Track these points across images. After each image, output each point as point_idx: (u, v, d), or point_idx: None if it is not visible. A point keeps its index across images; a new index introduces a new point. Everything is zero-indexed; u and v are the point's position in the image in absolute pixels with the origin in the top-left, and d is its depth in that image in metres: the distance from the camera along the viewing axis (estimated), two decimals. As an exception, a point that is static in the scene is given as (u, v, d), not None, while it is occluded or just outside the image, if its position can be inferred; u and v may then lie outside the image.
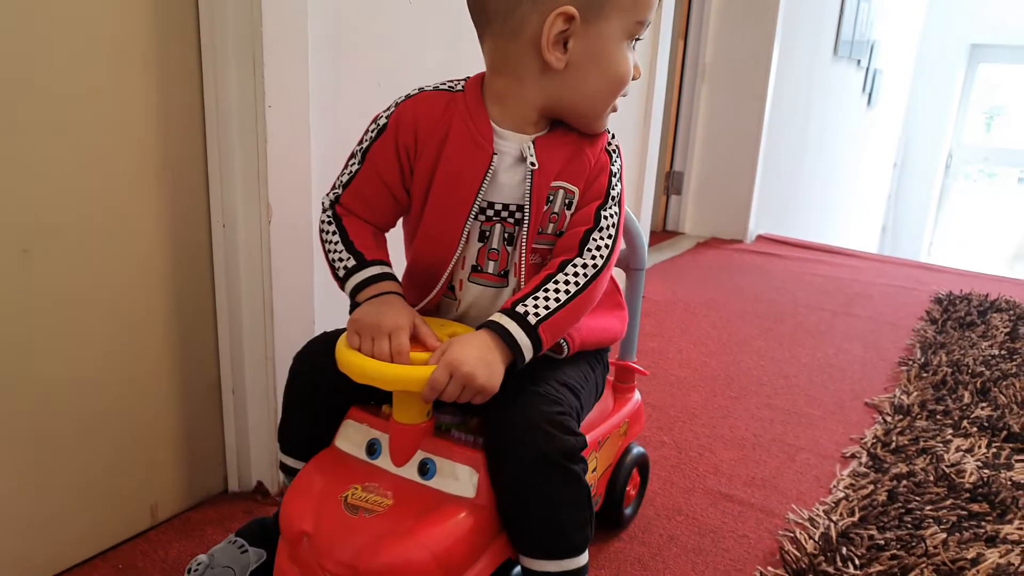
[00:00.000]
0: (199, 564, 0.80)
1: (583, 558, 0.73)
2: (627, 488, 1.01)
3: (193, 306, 0.97)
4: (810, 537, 1.01)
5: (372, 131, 0.77)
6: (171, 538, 0.95)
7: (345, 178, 0.79)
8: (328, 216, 0.79)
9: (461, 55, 1.23)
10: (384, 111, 0.77)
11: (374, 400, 0.79)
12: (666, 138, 2.78)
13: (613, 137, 0.80)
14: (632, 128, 1.99)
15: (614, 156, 0.79)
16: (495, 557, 0.73)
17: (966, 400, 1.46)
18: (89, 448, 0.88)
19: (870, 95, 4.00)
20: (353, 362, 0.68)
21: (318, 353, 0.77)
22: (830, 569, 0.93)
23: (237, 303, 0.98)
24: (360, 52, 1.06)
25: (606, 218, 0.76)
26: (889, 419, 1.38)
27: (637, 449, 1.04)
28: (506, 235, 0.77)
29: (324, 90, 1.01)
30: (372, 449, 0.75)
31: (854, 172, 4.26)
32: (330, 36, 1.00)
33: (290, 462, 0.83)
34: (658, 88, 2.01)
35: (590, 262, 0.74)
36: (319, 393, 0.78)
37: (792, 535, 1.02)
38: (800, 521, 1.06)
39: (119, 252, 0.87)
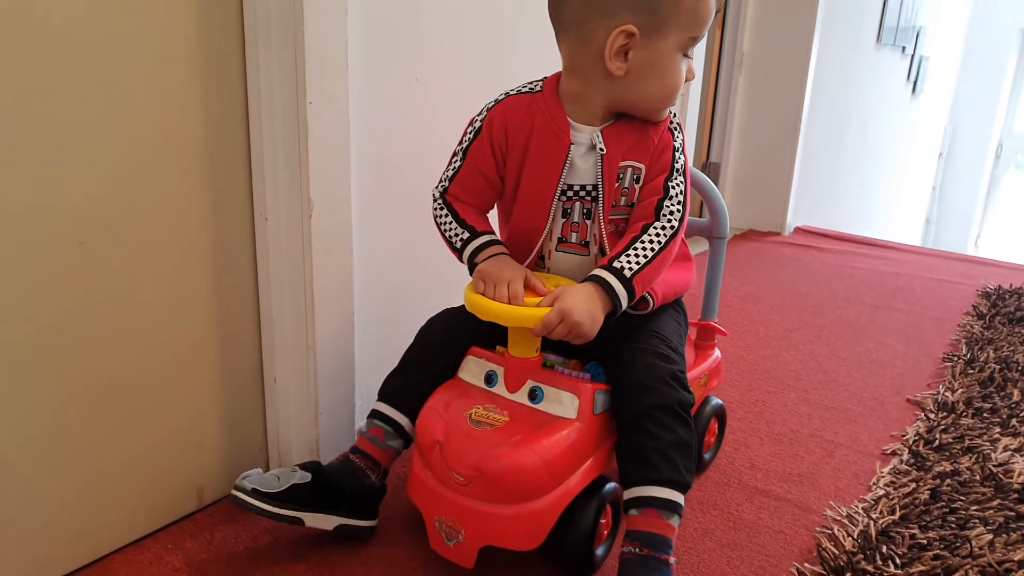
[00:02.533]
0: (253, 472, 0.89)
1: (682, 496, 0.85)
2: (706, 436, 1.13)
3: (236, 297, 0.99)
4: (848, 535, 0.99)
5: (470, 133, 0.91)
6: (216, 521, 0.98)
7: (450, 173, 0.93)
8: (439, 204, 0.94)
9: (497, 52, 1.23)
10: (478, 115, 0.91)
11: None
12: (703, 129, 2.75)
13: (675, 116, 0.91)
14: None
15: (676, 133, 0.90)
16: (592, 471, 0.86)
17: (1015, 398, 1.42)
18: (139, 433, 0.91)
19: (915, 83, 3.89)
20: (480, 303, 0.82)
21: (446, 323, 0.95)
22: (869, 568, 0.92)
23: (279, 294, 1.00)
24: (399, 49, 1.07)
25: (673, 187, 0.88)
26: (932, 416, 1.35)
27: (716, 400, 1.17)
28: (585, 211, 0.90)
29: (363, 86, 1.02)
30: (490, 379, 0.90)
31: (897, 162, 4.16)
32: (370, 33, 1.01)
33: (385, 409, 0.94)
34: (695, 79, 1.98)
35: (667, 224, 0.87)
36: (440, 356, 0.93)
37: (830, 532, 1.01)
38: (838, 518, 1.05)
39: (167, 245, 0.90)
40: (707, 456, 1.16)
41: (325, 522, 0.89)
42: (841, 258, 2.52)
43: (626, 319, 0.88)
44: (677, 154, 0.88)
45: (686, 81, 0.87)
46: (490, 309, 0.82)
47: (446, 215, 0.93)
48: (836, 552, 0.95)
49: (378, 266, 1.10)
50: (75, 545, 0.87)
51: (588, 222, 0.90)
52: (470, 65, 1.18)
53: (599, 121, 0.88)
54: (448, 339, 0.94)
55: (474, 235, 0.91)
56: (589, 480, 0.85)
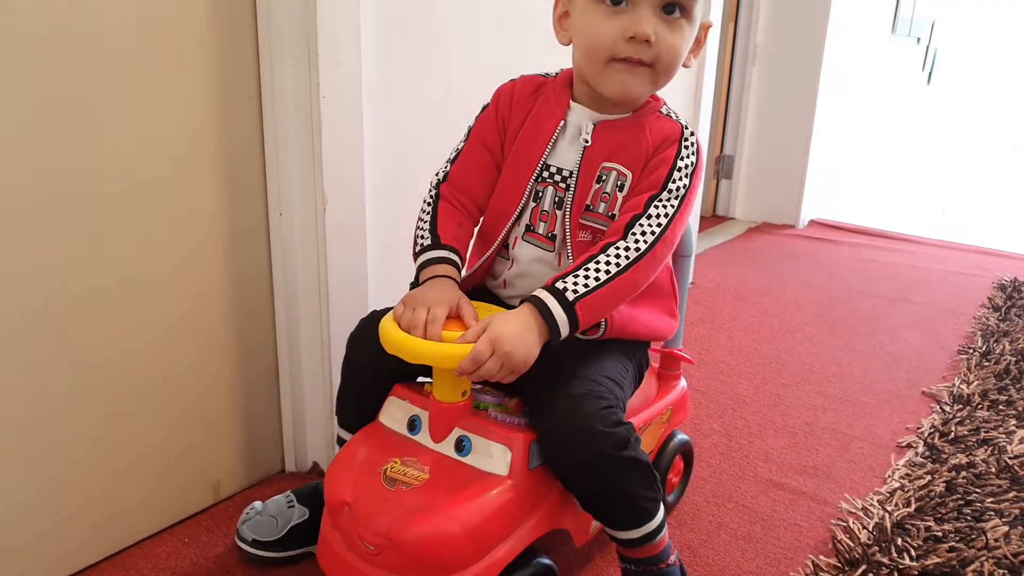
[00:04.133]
0: (252, 510, 0.91)
1: (658, 518, 0.79)
2: (668, 475, 1.01)
3: (251, 293, 1.00)
4: (864, 527, 0.99)
5: (479, 113, 0.87)
6: (232, 514, 0.99)
7: (453, 155, 0.87)
8: (431, 195, 0.86)
9: (511, 43, 1.23)
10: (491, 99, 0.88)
11: (420, 377, 0.82)
12: (716, 122, 2.73)
13: (692, 134, 0.81)
14: (681, 112, 1.95)
15: (686, 152, 0.80)
16: (527, 535, 0.75)
17: (1031, 390, 1.41)
18: (156, 428, 0.92)
19: (930, 74, 3.85)
20: (392, 338, 0.70)
21: (369, 334, 0.79)
22: (884, 560, 0.92)
23: (293, 290, 1.01)
24: (412, 42, 1.07)
25: (656, 207, 0.77)
26: (948, 409, 1.34)
27: (680, 436, 1.03)
28: (556, 198, 0.82)
29: (377, 80, 1.02)
30: (413, 425, 0.78)
31: (912, 154, 4.11)
32: (382, 26, 1.01)
33: (346, 436, 0.88)
34: (708, 71, 1.97)
35: (632, 245, 0.76)
36: (369, 371, 0.83)
37: (845, 524, 1.01)
38: (853, 510, 1.04)
39: (181, 241, 0.90)
40: (671, 498, 1.03)
41: None
42: (855, 251, 2.51)
43: (563, 346, 0.75)
44: (678, 175, 0.79)
45: (635, 40, 0.74)
46: (402, 346, 0.69)
47: (427, 212, 0.85)
48: (851, 544, 0.95)
49: (392, 260, 1.10)
50: (95, 538, 0.88)
51: (558, 212, 0.82)
52: (484, 57, 1.18)
53: (607, 110, 0.81)
54: (372, 362, 0.81)
55: (434, 246, 0.81)
56: (524, 547, 0.74)
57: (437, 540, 0.68)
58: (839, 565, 0.92)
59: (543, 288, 0.74)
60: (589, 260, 0.75)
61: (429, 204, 0.85)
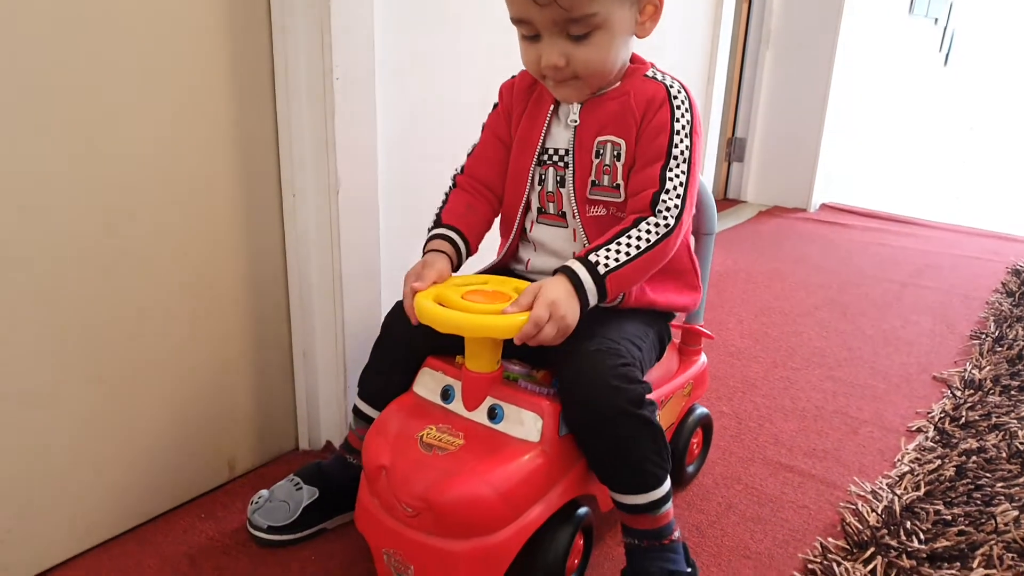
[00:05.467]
0: (260, 498, 0.91)
1: (664, 487, 0.80)
2: (690, 446, 1.04)
3: (266, 274, 1.01)
4: (873, 510, 1.00)
5: (490, 112, 0.92)
6: (247, 491, 1.00)
7: (470, 149, 0.92)
8: (449, 187, 0.92)
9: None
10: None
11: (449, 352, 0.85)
12: (728, 104, 2.71)
13: (680, 91, 0.81)
14: (694, 94, 1.94)
15: (679, 113, 0.80)
16: (558, 498, 0.78)
17: (1043, 376, 1.40)
18: (173, 407, 0.94)
19: (947, 55, 3.80)
20: (441, 315, 0.72)
21: (404, 315, 0.83)
22: (893, 542, 0.92)
23: (307, 271, 1.02)
24: (425, 24, 1.07)
25: (671, 179, 0.79)
26: (959, 394, 1.34)
27: (701, 410, 1.07)
28: (558, 178, 0.85)
29: (390, 62, 1.02)
30: (446, 394, 0.81)
31: (927, 136, 4.07)
32: (395, 8, 1.01)
33: (365, 408, 0.91)
34: (721, 54, 1.96)
35: (662, 222, 0.78)
36: (403, 349, 0.87)
37: (854, 507, 1.02)
38: (862, 494, 1.05)
39: (195, 223, 0.91)
40: (690, 469, 1.06)
41: (347, 517, 0.93)
42: (868, 235, 2.49)
43: (587, 313, 0.77)
44: (677, 138, 0.79)
45: (540, 74, 0.80)
46: (462, 322, 0.71)
47: (442, 201, 0.90)
48: (860, 527, 0.96)
49: (405, 242, 1.11)
50: (113, 513, 0.90)
51: (562, 191, 0.85)
52: (498, 40, 1.18)
53: (586, 96, 0.83)
54: (407, 340, 0.85)
55: (436, 224, 0.87)
56: (554, 510, 0.77)
57: (472, 502, 0.71)
58: (847, 547, 0.93)
59: (576, 259, 0.76)
60: (621, 234, 0.77)
61: (445, 195, 0.91)
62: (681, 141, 0.80)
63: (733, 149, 2.83)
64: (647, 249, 0.77)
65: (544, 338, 0.72)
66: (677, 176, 0.79)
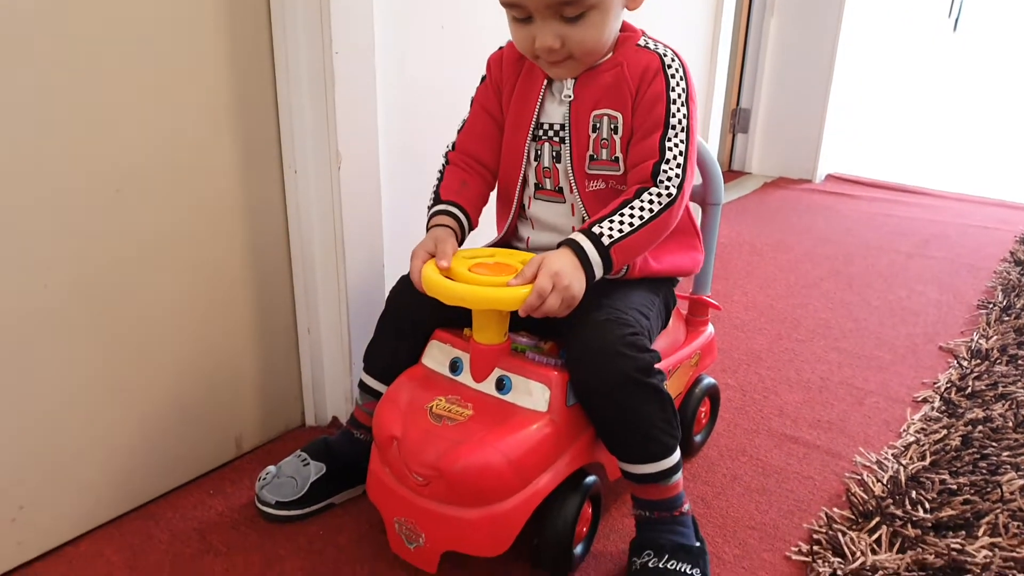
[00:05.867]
0: (268, 474, 0.92)
1: (674, 457, 0.80)
2: (698, 415, 1.05)
3: (269, 250, 1.01)
4: (878, 480, 1.00)
5: (478, 85, 0.91)
6: (255, 467, 1.01)
7: (460, 125, 0.92)
8: (442, 164, 0.91)
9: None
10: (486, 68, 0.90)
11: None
12: (732, 74, 2.68)
13: (673, 60, 0.80)
14: (697, 64, 1.92)
15: (674, 82, 0.80)
16: (566, 467, 0.79)
17: (1050, 345, 1.40)
18: (179, 384, 0.94)
19: (956, 21, 3.73)
20: (447, 287, 0.73)
21: (411, 288, 0.83)
22: (898, 512, 0.93)
23: (310, 246, 1.01)
24: (423, -7, 1.05)
25: (670, 148, 0.79)
26: (965, 363, 1.34)
27: (708, 380, 1.07)
28: (554, 153, 0.85)
29: (389, 35, 1.01)
30: (455, 367, 0.82)
31: (935, 104, 4.02)
32: (393, -23, 0.99)
33: (371, 382, 0.91)
34: (725, 23, 1.92)
35: (664, 192, 0.78)
36: (408, 323, 0.87)
37: (859, 478, 1.02)
38: (868, 464, 1.05)
39: (199, 197, 0.91)
40: (698, 438, 1.07)
41: (354, 492, 0.94)
42: (874, 205, 2.47)
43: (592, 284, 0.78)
44: (673, 107, 0.79)
45: (535, 56, 0.79)
46: (466, 294, 0.72)
47: (437, 178, 0.90)
48: (865, 497, 0.96)
49: (407, 217, 1.10)
50: (123, 490, 0.91)
51: (559, 166, 0.84)
52: (495, 11, 1.16)
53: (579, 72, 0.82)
54: (412, 314, 0.86)
55: (435, 202, 0.87)
56: (562, 478, 0.78)
57: (482, 470, 0.72)
58: (853, 517, 0.93)
59: (579, 231, 0.76)
60: (624, 205, 0.77)
61: (439, 172, 0.90)
62: (678, 110, 0.79)
63: (738, 120, 2.80)
64: (651, 219, 0.77)
65: (548, 309, 0.72)
66: (676, 145, 0.79)
